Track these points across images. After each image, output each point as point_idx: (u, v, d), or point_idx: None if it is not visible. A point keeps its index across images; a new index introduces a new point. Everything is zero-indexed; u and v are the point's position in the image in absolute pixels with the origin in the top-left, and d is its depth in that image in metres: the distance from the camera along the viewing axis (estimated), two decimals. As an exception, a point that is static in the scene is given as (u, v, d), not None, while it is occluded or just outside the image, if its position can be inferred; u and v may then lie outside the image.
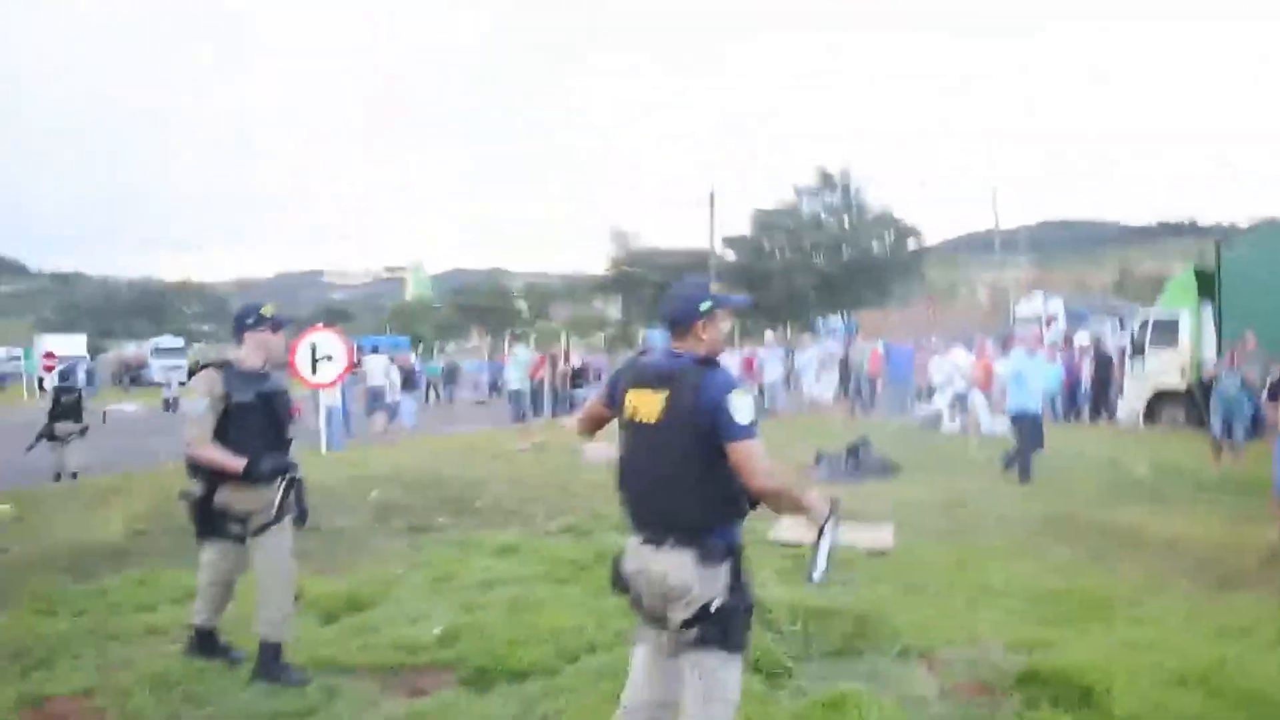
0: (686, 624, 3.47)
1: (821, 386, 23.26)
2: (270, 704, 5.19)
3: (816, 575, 3.61)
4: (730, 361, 32.52)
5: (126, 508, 11.46)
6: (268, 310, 5.68)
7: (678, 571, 3.48)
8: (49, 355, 39.83)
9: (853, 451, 13.82)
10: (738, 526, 3.53)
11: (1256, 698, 5.16)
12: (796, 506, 3.50)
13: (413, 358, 33.20)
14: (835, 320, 49.33)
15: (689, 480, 3.45)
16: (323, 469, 14.49)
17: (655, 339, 47.37)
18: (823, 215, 69.70)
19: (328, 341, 18.12)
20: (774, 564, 7.92)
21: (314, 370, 17.80)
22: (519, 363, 20.56)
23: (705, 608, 3.44)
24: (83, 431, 16.34)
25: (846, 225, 69.04)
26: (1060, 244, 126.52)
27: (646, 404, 3.57)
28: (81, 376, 18.58)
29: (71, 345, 58.48)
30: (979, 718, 5.13)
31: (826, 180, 70.38)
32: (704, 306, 3.68)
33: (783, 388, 24.84)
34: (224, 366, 5.53)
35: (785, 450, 15.48)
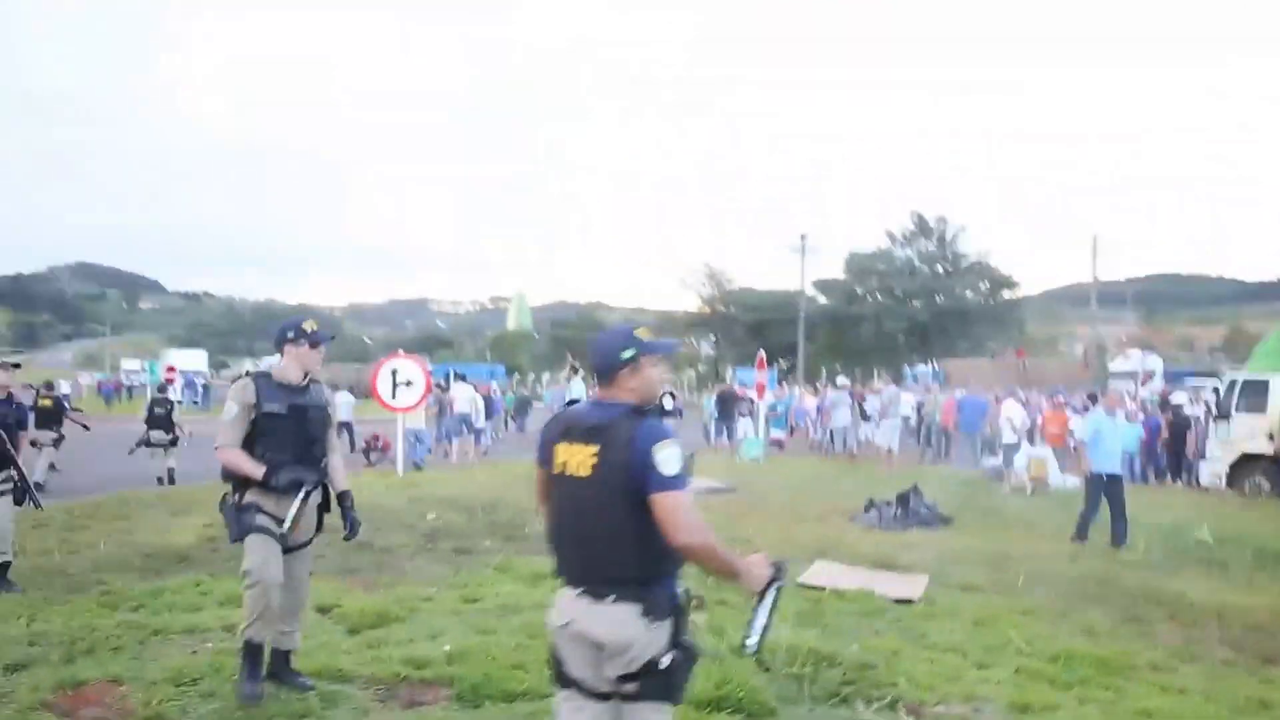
0: (627, 678, 3.40)
1: (881, 433, 23.16)
2: (271, 705, 5.53)
3: (749, 643, 3.48)
4: (808, 405, 32.50)
5: (204, 517, 12.25)
6: (308, 326, 5.80)
7: (620, 628, 3.39)
8: (170, 369, 42.32)
9: (902, 500, 13.69)
10: (676, 578, 3.47)
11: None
12: (725, 569, 3.38)
13: (493, 386, 34.87)
14: (923, 368, 48.52)
15: (628, 534, 3.36)
16: (391, 490, 15.51)
17: (744, 378, 47.11)
18: (916, 261, 68.88)
19: (407, 368, 19.35)
20: (795, 605, 7.99)
21: (394, 395, 19.11)
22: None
23: (652, 663, 3.39)
24: (173, 442, 18.31)
25: (941, 271, 68.09)
26: (1169, 299, 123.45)
27: (576, 458, 3.47)
28: (176, 391, 19.87)
29: (193, 360, 62.94)
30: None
31: (922, 225, 69.62)
32: (626, 354, 3.57)
33: (852, 432, 25.01)
34: (260, 377, 5.67)
35: (839, 494, 15.73)
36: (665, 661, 3.36)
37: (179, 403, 21.26)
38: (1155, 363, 40.57)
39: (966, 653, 7.22)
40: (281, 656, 5.73)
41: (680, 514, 3.29)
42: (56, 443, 16.99)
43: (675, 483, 3.30)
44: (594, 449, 3.44)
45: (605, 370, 3.58)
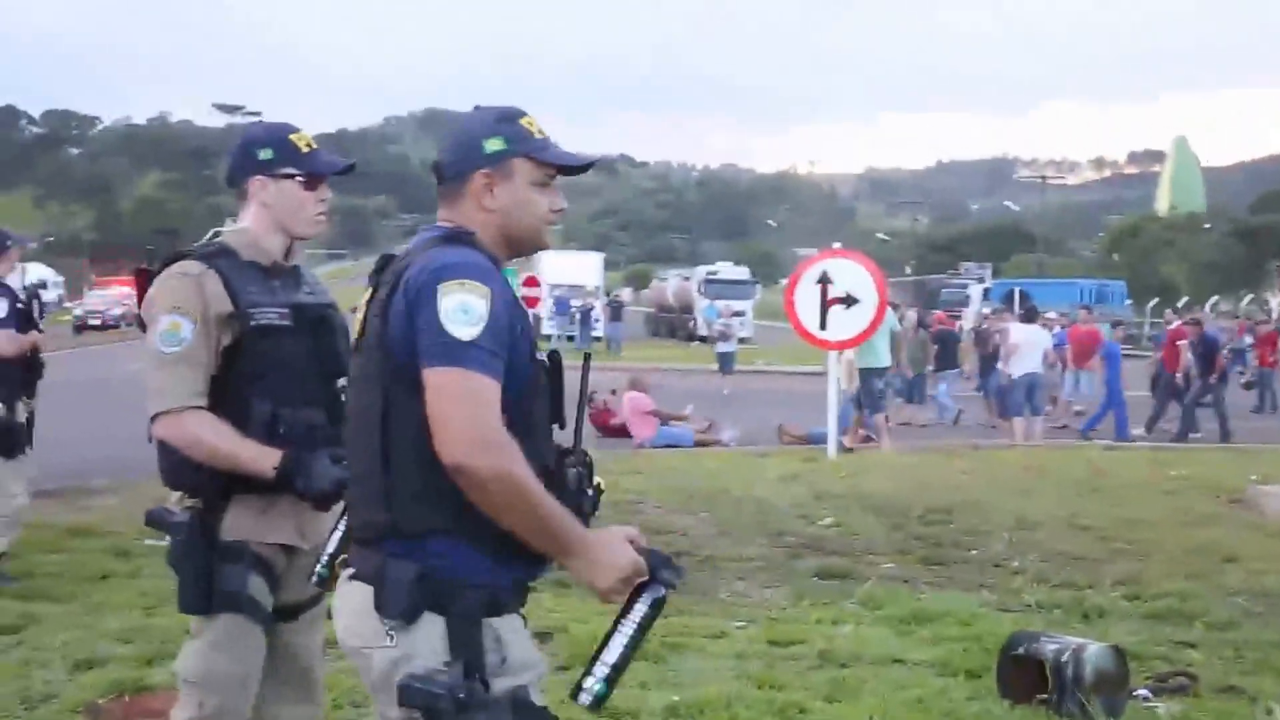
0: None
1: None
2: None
3: (586, 689, 2.66)
4: None
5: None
6: (299, 141, 3.87)
7: (352, 623, 2.70)
8: (530, 281, 37.29)
9: None
10: (471, 537, 2.63)
11: None
12: (543, 532, 2.59)
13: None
14: None
15: (374, 443, 2.67)
16: (801, 479, 13.84)
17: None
18: None
19: (846, 270, 15.50)
20: None
21: (824, 321, 15.33)
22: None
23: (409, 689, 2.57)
24: None
25: None
26: None
27: (357, 318, 2.85)
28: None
29: (581, 268, 53.54)
30: None
31: None
32: (491, 146, 2.78)
33: None
34: (219, 258, 3.73)
35: None
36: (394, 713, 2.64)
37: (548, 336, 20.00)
38: None
39: None
40: None
41: (450, 405, 2.54)
42: None
43: (456, 352, 2.56)
44: (367, 297, 2.83)
45: (449, 172, 2.83)
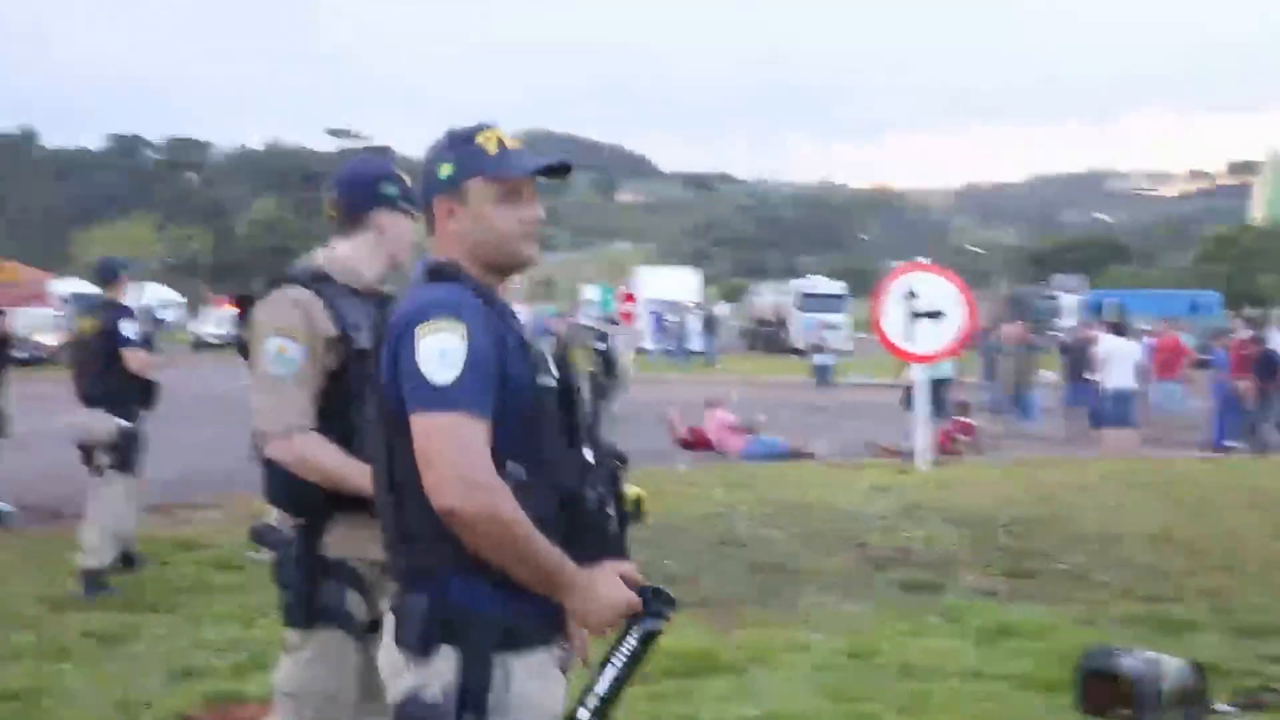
0: None
1: None
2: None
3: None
4: None
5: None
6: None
7: (384, 653, 2.70)
8: (628, 298, 38.95)
9: None
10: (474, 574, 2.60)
11: None
12: (532, 570, 2.54)
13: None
14: None
15: (386, 484, 2.67)
16: (893, 491, 13.56)
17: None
18: None
19: (931, 286, 15.37)
20: None
21: (910, 334, 15.22)
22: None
23: None
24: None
25: None
26: None
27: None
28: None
29: (678, 284, 52.76)
30: None
31: None
32: (444, 172, 2.74)
33: None
34: (319, 282, 3.79)
35: None
36: None
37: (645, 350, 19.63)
38: None
39: None
40: None
41: (434, 449, 2.52)
42: None
43: (438, 395, 2.54)
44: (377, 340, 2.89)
45: (420, 204, 2.90)
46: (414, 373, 2.56)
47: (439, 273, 2.75)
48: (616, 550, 2.75)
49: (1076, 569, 10.01)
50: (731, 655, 7.22)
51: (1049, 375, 25.14)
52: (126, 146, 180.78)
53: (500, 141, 2.78)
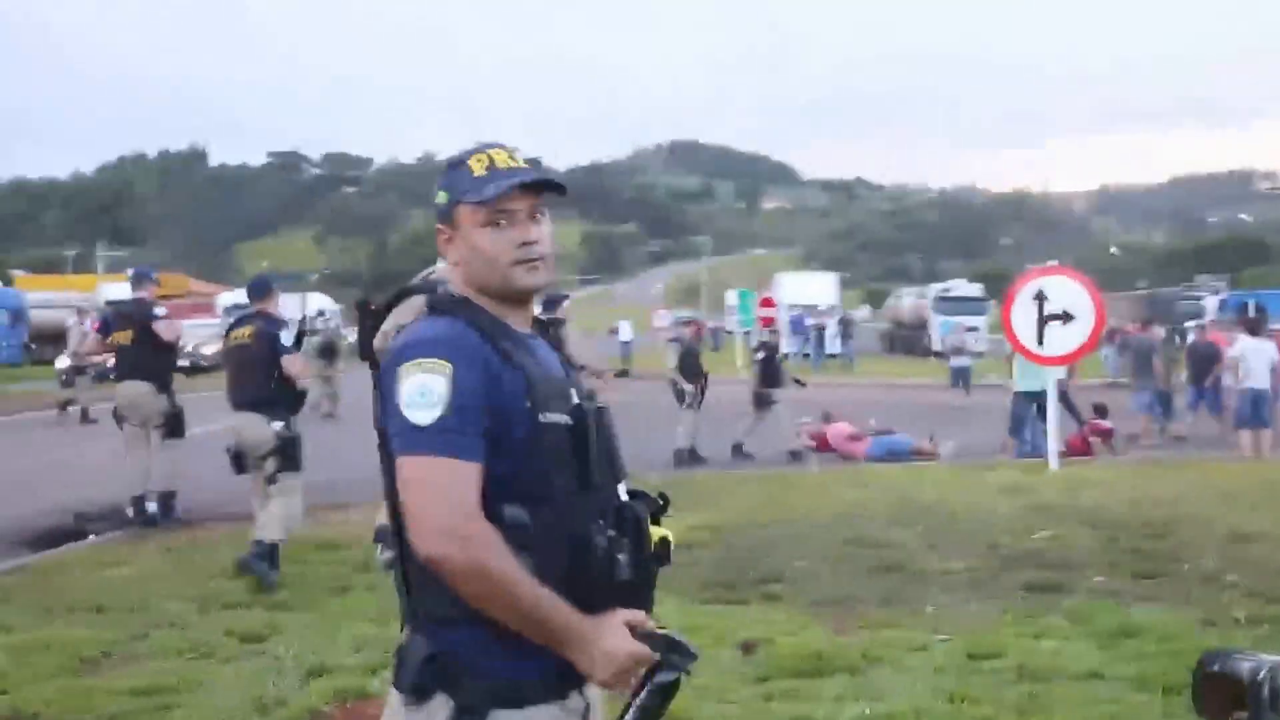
0: None
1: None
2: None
3: None
4: None
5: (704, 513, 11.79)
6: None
7: (390, 690, 2.59)
8: (767, 302, 36.85)
9: None
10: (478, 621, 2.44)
11: None
12: (527, 620, 2.34)
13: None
14: None
15: (394, 528, 2.51)
16: (1018, 490, 13.35)
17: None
18: None
19: (1064, 289, 15.00)
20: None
21: (1040, 337, 14.90)
22: None
23: None
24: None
25: None
26: None
27: None
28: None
29: (817, 289, 52.44)
30: None
31: None
32: (439, 200, 2.63)
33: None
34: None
35: None
36: None
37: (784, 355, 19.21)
38: None
39: None
40: None
41: (415, 496, 2.37)
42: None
43: (417, 438, 2.38)
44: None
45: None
46: (396, 414, 2.41)
47: (436, 306, 2.59)
48: (630, 599, 2.50)
49: (1204, 571, 9.73)
50: (849, 655, 7.14)
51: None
52: (288, 162, 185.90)
53: (491, 162, 2.59)
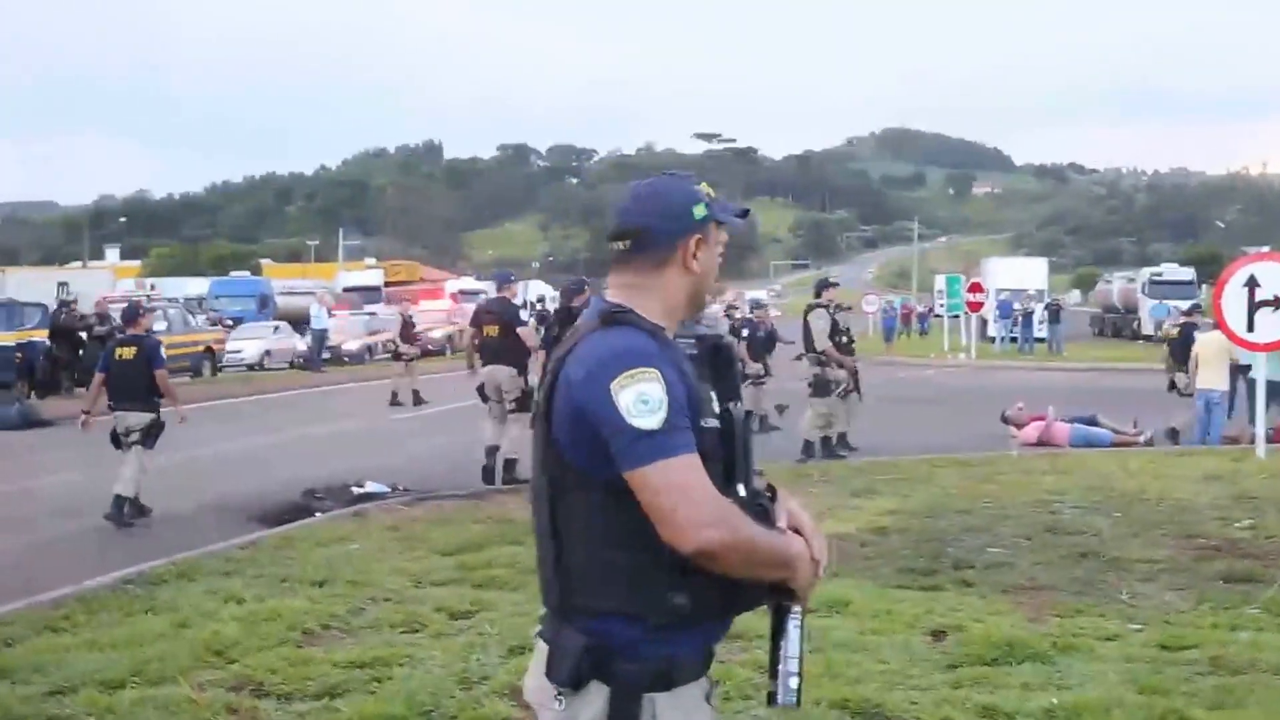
0: None
1: None
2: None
3: (782, 698, 2.54)
4: None
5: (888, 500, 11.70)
6: (707, 190, 3.96)
7: (533, 681, 2.62)
8: (975, 287, 35.89)
9: None
10: (644, 617, 2.48)
11: None
12: (774, 565, 2.48)
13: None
14: None
15: (546, 527, 2.54)
16: (1225, 478, 12.79)
17: None
18: None
19: (1276, 275, 14.39)
20: None
21: (1250, 323, 14.28)
22: None
23: None
24: None
25: None
26: None
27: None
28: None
29: (1025, 273, 50.78)
30: None
31: None
32: (699, 212, 2.68)
33: None
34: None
35: None
36: None
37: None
38: None
39: None
40: None
41: (667, 499, 2.36)
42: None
43: (652, 445, 2.40)
44: (545, 386, 2.65)
45: (660, 238, 2.66)
46: (623, 429, 2.44)
47: (613, 318, 2.62)
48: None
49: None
50: (1040, 643, 6.91)
51: None
52: (516, 155, 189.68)
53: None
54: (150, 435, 11.85)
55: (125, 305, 15.87)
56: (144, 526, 11.56)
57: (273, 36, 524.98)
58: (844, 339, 16.15)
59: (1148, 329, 44.82)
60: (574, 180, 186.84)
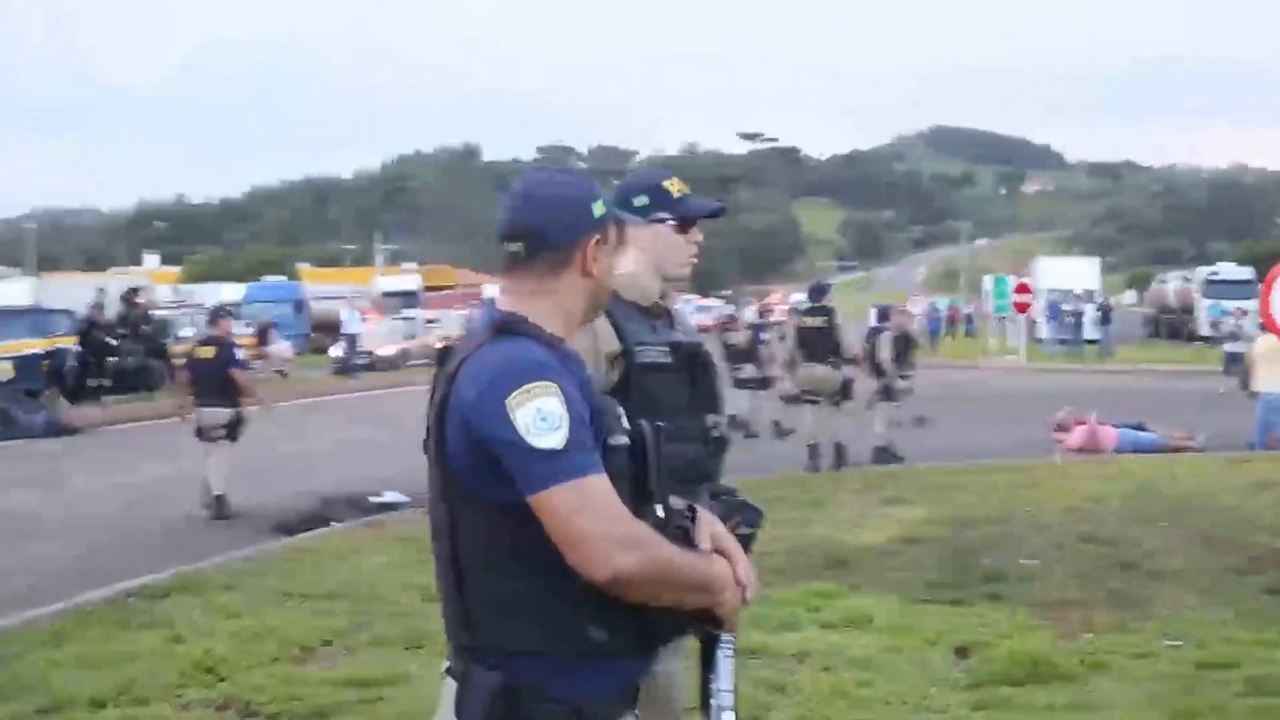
0: None
1: None
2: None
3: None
4: None
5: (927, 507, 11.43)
6: (672, 187, 3.89)
7: (445, 716, 2.42)
8: (1022, 288, 35.46)
9: None
10: (573, 643, 2.31)
11: None
12: (693, 589, 2.33)
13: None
14: None
15: (447, 558, 2.38)
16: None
17: None
18: None
19: None
20: None
21: None
22: None
23: None
24: None
25: None
26: None
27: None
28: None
29: (1077, 273, 49.88)
30: None
31: None
32: (598, 210, 2.52)
33: None
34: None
35: None
36: None
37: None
38: None
39: None
40: None
41: (575, 523, 2.20)
42: None
43: (558, 465, 2.23)
44: (436, 405, 2.46)
45: (542, 244, 2.48)
46: (522, 449, 2.26)
47: (505, 328, 2.44)
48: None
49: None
50: (1069, 662, 6.64)
51: None
52: (556, 156, 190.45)
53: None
54: (233, 430, 12.59)
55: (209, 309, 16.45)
56: (156, 536, 11.35)
57: (304, 41, 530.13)
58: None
59: (1204, 330, 44.04)
60: (616, 181, 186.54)
